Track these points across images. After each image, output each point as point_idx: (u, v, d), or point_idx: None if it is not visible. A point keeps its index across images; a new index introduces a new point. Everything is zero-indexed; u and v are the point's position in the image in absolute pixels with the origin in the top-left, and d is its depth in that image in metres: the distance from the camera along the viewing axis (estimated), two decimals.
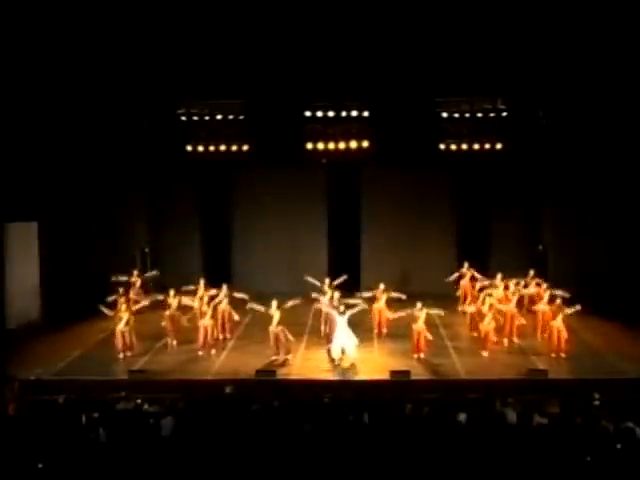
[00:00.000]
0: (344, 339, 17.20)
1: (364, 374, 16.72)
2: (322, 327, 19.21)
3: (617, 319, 20.16)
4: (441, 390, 14.83)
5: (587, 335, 19.36)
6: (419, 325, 17.49)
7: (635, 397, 14.14)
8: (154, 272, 22.30)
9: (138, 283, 21.31)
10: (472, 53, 19.66)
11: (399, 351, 17.91)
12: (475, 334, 19.03)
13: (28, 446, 10.85)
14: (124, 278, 20.87)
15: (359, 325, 19.46)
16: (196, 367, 17.29)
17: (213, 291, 19.44)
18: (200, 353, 17.95)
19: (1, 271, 20.09)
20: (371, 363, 17.47)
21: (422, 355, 17.47)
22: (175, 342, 18.63)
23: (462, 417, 12.17)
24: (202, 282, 19.74)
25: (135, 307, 18.75)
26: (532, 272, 20.51)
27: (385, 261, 23.40)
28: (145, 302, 19.38)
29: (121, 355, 17.82)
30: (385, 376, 16.25)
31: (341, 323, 17.32)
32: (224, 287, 19.40)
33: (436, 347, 18.18)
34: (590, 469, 10.23)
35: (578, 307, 17.67)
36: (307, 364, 17.34)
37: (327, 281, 19.57)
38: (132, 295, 20.37)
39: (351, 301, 18.27)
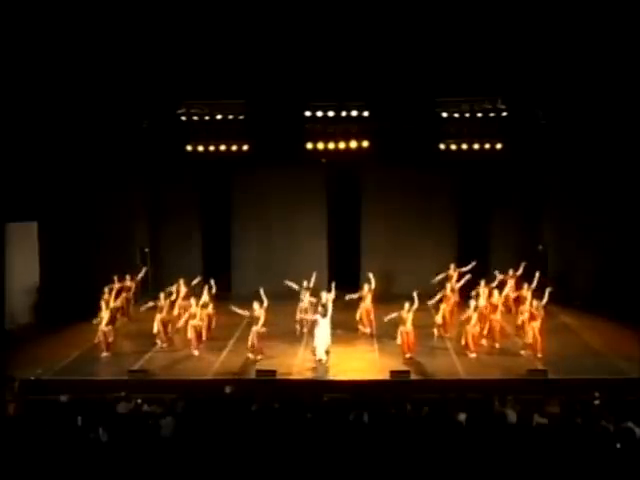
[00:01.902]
0: (324, 339, 17.36)
1: (364, 374, 16.73)
2: (297, 327, 19.36)
3: (617, 319, 20.15)
4: (441, 390, 14.82)
5: (587, 335, 19.37)
6: (407, 327, 17.49)
7: (635, 397, 14.16)
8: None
9: (132, 287, 21.20)
10: (472, 53, 19.65)
11: (399, 351, 17.88)
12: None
13: (28, 446, 10.85)
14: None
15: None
16: (196, 367, 17.33)
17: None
18: (195, 353, 18.08)
19: (1, 271, 20.07)
20: (371, 363, 17.50)
21: (409, 355, 17.44)
22: (165, 345, 18.67)
23: (462, 417, 12.18)
24: (181, 281, 19.92)
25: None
26: (511, 271, 20.42)
27: (385, 261, 23.37)
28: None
29: (103, 355, 18.01)
30: (385, 376, 16.27)
31: (323, 324, 17.43)
32: (206, 289, 19.53)
33: (436, 347, 18.21)
34: (590, 469, 10.23)
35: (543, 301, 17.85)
36: (307, 364, 17.35)
37: (305, 284, 19.51)
38: (124, 295, 20.52)
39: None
